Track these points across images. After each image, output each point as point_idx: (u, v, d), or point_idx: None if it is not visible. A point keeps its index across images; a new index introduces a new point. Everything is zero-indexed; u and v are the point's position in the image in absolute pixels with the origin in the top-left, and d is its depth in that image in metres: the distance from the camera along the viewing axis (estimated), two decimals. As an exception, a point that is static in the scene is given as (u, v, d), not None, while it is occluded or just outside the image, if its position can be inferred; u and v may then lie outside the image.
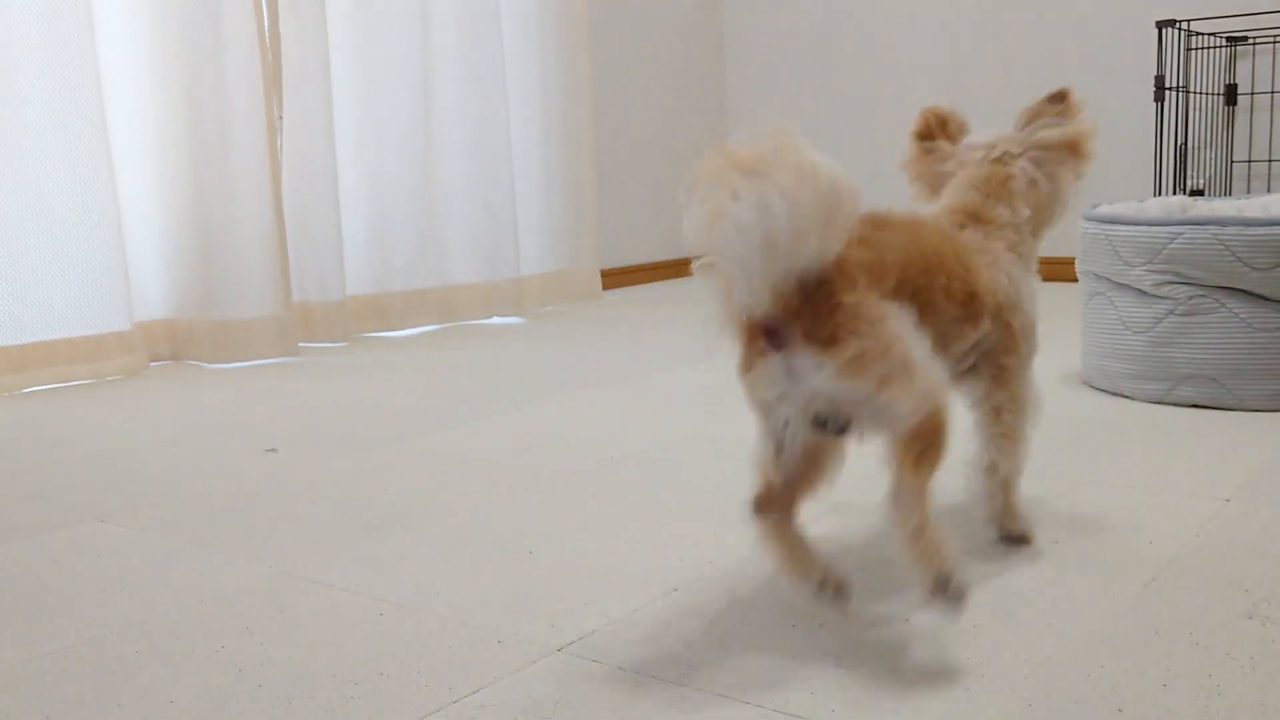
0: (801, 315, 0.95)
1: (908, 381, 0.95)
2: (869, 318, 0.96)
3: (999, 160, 1.25)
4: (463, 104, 3.15)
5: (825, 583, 1.04)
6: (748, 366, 1.02)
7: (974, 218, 1.21)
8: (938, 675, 0.95)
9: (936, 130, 1.30)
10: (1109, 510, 1.36)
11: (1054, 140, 1.26)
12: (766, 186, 0.90)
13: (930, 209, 1.24)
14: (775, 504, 1.07)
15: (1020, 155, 1.26)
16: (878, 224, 1.06)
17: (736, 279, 0.94)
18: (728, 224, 0.91)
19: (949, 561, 0.95)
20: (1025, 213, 1.23)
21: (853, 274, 0.97)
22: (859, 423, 1.00)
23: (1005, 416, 1.19)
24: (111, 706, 0.95)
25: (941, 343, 1.08)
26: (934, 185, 1.28)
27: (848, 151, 4.30)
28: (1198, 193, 3.12)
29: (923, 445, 0.99)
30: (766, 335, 0.99)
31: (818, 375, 0.95)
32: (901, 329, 0.98)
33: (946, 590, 0.94)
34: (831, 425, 1.00)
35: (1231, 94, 3.27)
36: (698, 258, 0.95)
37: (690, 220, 0.94)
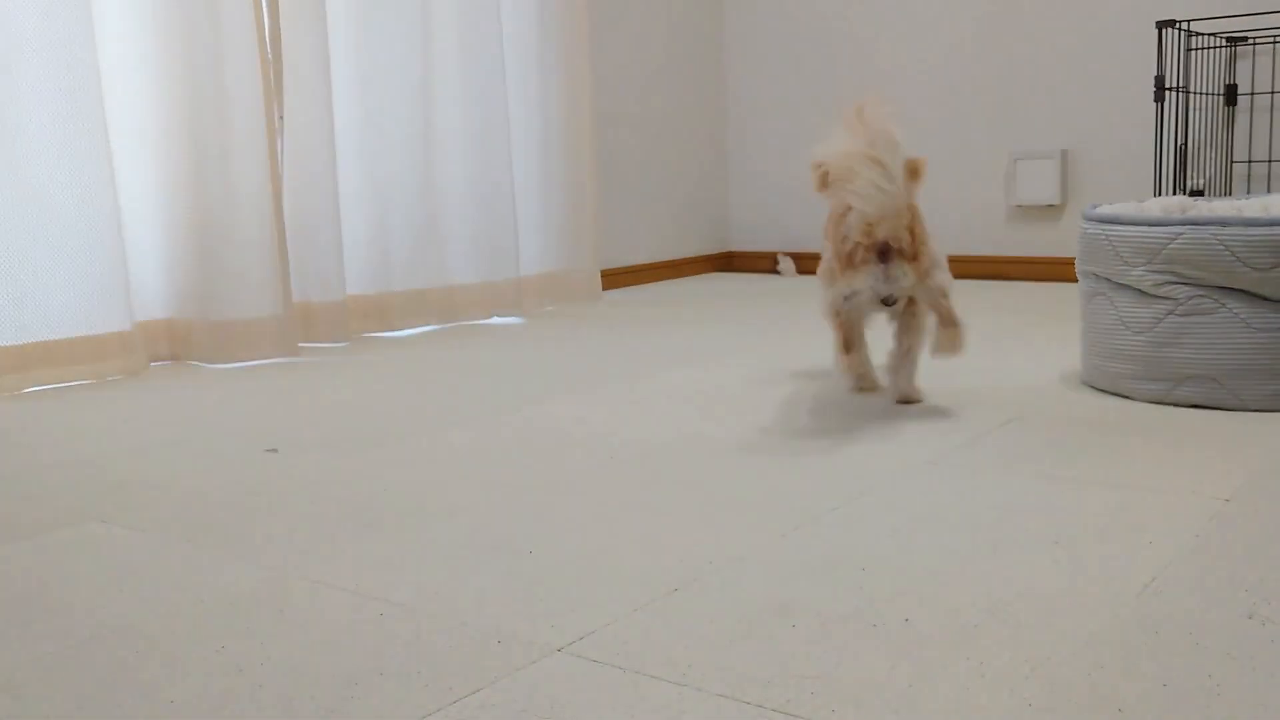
0: (899, 244, 1.78)
1: (939, 279, 1.85)
2: (929, 247, 1.82)
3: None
4: (463, 104, 3.15)
5: (865, 380, 2.04)
6: (853, 266, 1.80)
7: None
8: (938, 675, 0.95)
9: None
10: (1109, 510, 1.36)
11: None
12: (892, 170, 1.71)
13: None
14: (853, 345, 1.96)
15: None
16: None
17: (876, 220, 1.75)
18: (877, 194, 1.71)
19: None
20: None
21: (917, 221, 1.81)
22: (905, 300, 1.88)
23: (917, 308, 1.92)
24: (111, 706, 0.95)
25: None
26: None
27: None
28: (1198, 193, 3.12)
29: (947, 308, 1.86)
30: (879, 252, 1.78)
31: (907, 278, 1.80)
32: (937, 252, 1.85)
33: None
34: (890, 302, 1.85)
35: (1231, 94, 3.27)
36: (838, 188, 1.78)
37: (855, 189, 1.72)
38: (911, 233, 1.77)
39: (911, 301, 1.90)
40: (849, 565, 1.20)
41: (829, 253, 1.90)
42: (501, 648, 1.03)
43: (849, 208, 1.76)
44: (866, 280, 1.79)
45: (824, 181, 1.84)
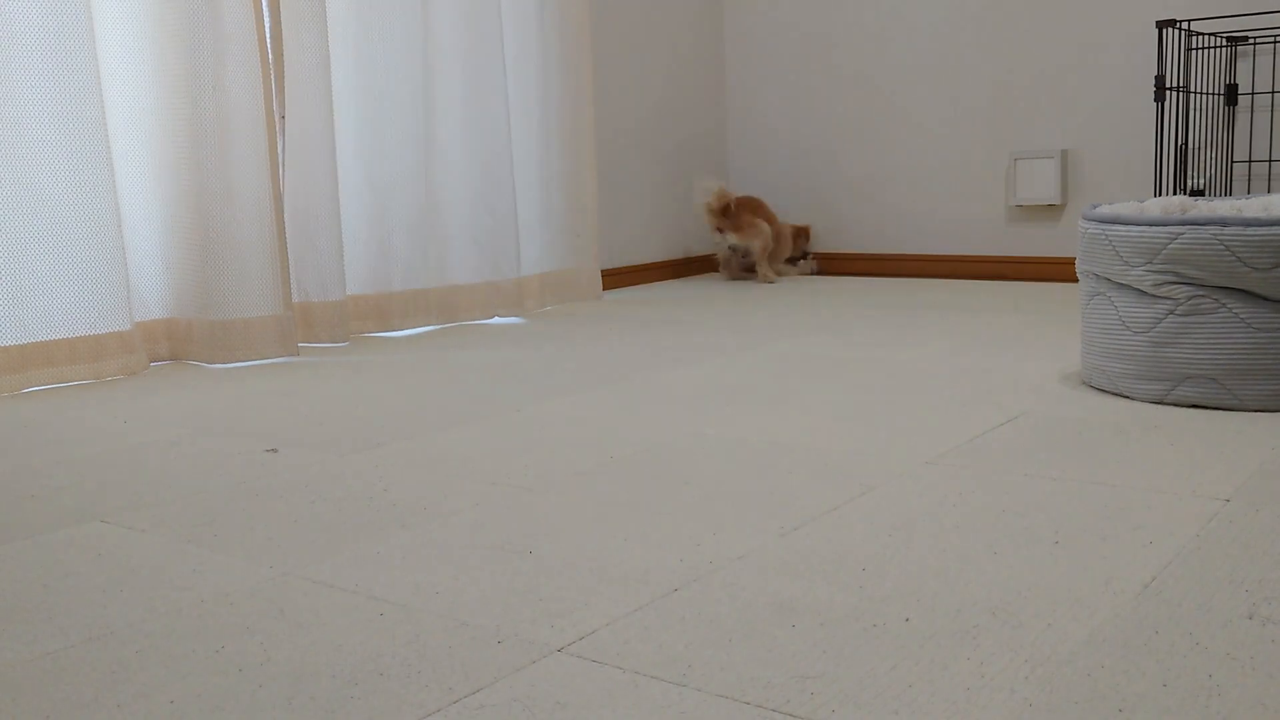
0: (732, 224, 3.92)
1: (757, 240, 3.91)
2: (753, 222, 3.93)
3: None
4: (463, 104, 3.15)
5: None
6: (718, 232, 3.98)
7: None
8: (938, 675, 0.95)
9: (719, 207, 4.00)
10: (1109, 510, 1.36)
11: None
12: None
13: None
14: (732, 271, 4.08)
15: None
16: (740, 202, 4.01)
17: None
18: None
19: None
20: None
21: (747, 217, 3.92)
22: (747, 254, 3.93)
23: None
24: (111, 706, 0.95)
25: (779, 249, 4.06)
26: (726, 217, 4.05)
27: (847, 150, 4.25)
28: (1198, 193, 3.12)
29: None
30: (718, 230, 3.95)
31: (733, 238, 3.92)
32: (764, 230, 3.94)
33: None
34: (739, 252, 3.98)
35: (1232, 94, 3.27)
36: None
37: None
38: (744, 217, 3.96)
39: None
40: (849, 565, 1.20)
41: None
42: (501, 648, 1.03)
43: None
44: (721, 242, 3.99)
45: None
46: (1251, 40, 3.21)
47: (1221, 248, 1.78)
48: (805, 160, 4.20)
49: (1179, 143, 3.09)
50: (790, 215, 4.25)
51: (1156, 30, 3.02)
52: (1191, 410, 1.85)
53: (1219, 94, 3.25)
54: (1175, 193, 3.06)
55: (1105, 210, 2.00)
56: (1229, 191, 3.26)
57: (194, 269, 2.63)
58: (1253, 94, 3.26)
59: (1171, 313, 1.85)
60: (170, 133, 2.59)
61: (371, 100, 2.97)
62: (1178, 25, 3.07)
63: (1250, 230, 1.77)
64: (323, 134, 2.79)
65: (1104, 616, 1.06)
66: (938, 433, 1.76)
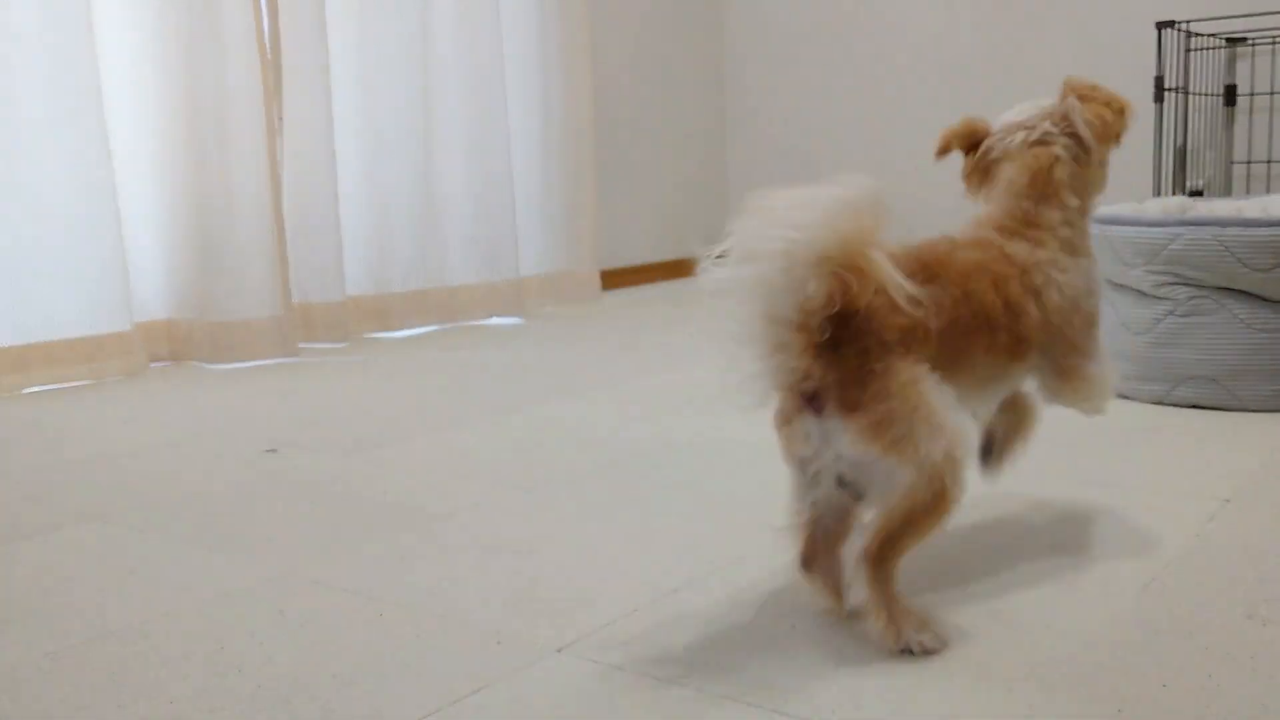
0: (838, 382, 0.98)
1: (914, 449, 0.96)
2: (898, 384, 0.97)
3: (1040, 142, 1.25)
4: (463, 104, 3.15)
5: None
6: (785, 421, 1.04)
7: (1023, 223, 1.19)
8: (938, 676, 0.95)
9: (961, 144, 1.32)
10: (1109, 510, 1.36)
11: (1092, 113, 1.31)
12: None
13: (980, 220, 1.22)
14: (818, 559, 1.08)
15: (1060, 133, 1.28)
16: (929, 272, 1.05)
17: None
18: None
19: (906, 633, 0.99)
20: (1074, 202, 1.23)
21: (888, 340, 0.98)
22: (869, 489, 1.02)
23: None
24: (111, 706, 0.95)
25: (986, 387, 1.12)
26: (988, 184, 1.28)
27: (848, 151, 4.25)
28: (1197, 193, 3.12)
29: (905, 520, 0.99)
30: (806, 399, 1.01)
31: (841, 439, 0.99)
32: (928, 394, 0.98)
33: (913, 653, 0.99)
34: (851, 489, 1.03)
35: (1231, 95, 3.27)
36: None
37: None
38: (876, 342, 0.99)
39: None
40: (848, 565, 1.20)
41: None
42: (501, 648, 1.03)
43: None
44: (801, 442, 1.03)
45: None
46: (1251, 41, 3.21)
47: (1221, 248, 1.78)
48: (805, 160, 4.20)
49: (1178, 143, 3.09)
50: (790, 216, 4.25)
51: (1156, 31, 3.02)
52: (1191, 411, 1.85)
53: (1218, 95, 3.25)
54: (1175, 193, 3.06)
55: (1105, 211, 2.00)
56: (1228, 192, 3.26)
57: (194, 270, 2.63)
58: (1252, 95, 3.26)
59: (1171, 313, 1.85)
60: (170, 133, 2.59)
61: (371, 100, 2.96)
62: (1177, 26, 3.07)
63: (1250, 231, 1.77)
64: (323, 134, 2.79)
65: (1104, 616, 1.06)
66: (937, 433, 1.76)
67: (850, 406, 0.97)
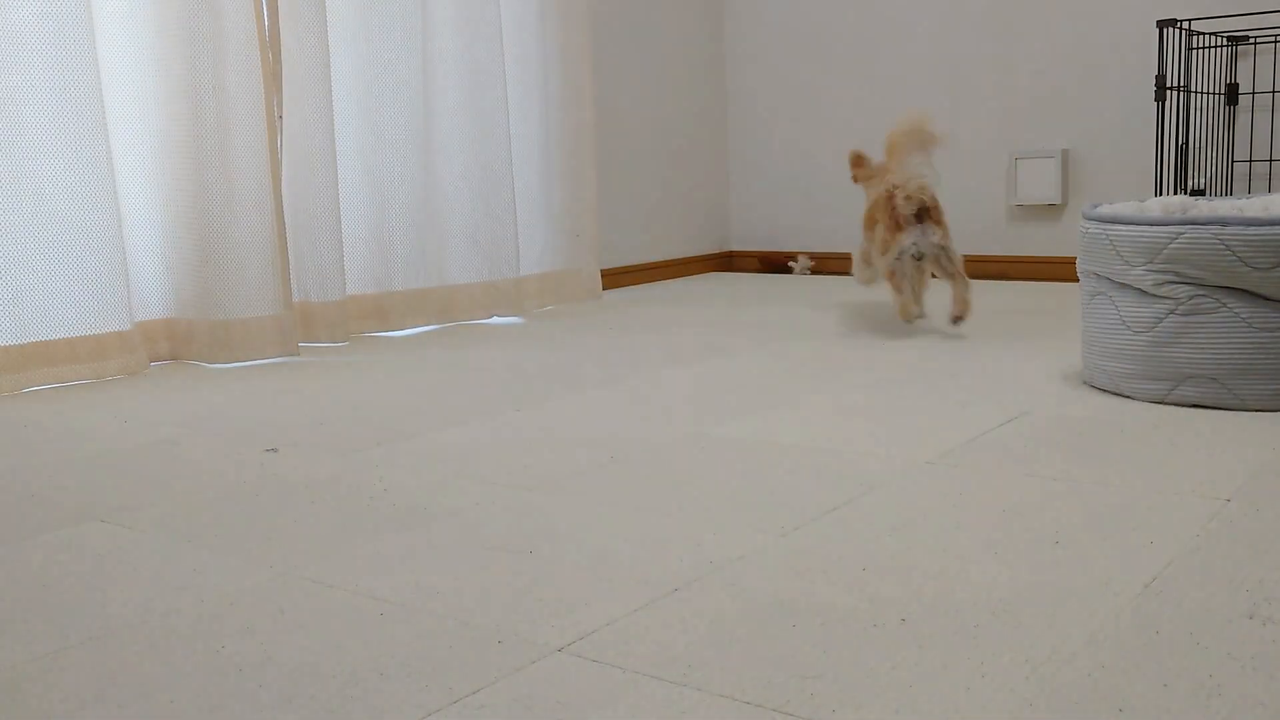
0: (933, 205, 2.53)
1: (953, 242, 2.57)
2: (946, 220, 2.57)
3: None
4: (463, 104, 3.15)
5: (909, 311, 2.64)
6: (900, 229, 2.52)
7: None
8: (938, 675, 0.95)
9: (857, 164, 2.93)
10: (1109, 510, 1.36)
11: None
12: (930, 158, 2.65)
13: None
14: (905, 290, 2.61)
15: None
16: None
17: (916, 192, 2.55)
18: (920, 174, 2.57)
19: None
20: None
21: (936, 206, 2.56)
22: (934, 260, 2.57)
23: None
24: (111, 706, 0.95)
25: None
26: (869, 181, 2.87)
27: (848, 150, 4.27)
28: (1198, 192, 3.12)
29: (962, 267, 2.58)
30: (917, 215, 2.52)
31: (936, 235, 2.52)
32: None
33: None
34: (921, 261, 2.56)
35: (1232, 94, 3.27)
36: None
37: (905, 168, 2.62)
38: (936, 204, 2.52)
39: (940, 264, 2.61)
40: (849, 565, 1.20)
41: (867, 242, 2.75)
42: (501, 648, 1.03)
43: (889, 195, 2.52)
44: (910, 238, 2.49)
45: (858, 172, 2.87)
46: (1252, 40, 3.21)
47: (1222, 247, 1.78)
48: (805, 160, 4.20)
49: (1179, 142, 3.09)
50: (790, 215, 4.25)
51: (1157, 30, 3.02)
52: (1192, 410, 1.85)
53: (1220, 93, 3.25)
54: (1176, 192, 3.06)
55: (1106, 210, 2.00)
56: (1229, 191, 3.26)
57: (194, 269, 2.63)
58: (1253, 93, 3.26)
59: (1172, 312, 1.85)
60: (170, 132, 2.59)
61: (371, 100, 2.97)
62: (1178, 25, 3.07)
63: (1251, 230, 1.76)
64: (323, 134, 2.79)
65: (1104, 616, 1.05)
66: (938, 433, 1.76)
67: (938, 222, 2.53)
